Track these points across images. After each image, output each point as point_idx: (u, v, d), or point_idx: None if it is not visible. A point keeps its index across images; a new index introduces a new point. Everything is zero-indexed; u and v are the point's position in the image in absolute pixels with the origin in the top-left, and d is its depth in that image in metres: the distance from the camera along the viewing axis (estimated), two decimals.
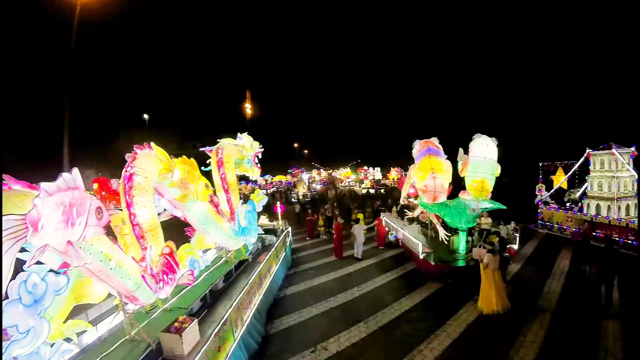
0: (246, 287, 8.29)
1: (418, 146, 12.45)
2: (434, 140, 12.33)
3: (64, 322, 4.57)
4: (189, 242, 7.74)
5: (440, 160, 11.75)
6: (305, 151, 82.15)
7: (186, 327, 5.57)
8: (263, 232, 11.37)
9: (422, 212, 14.33)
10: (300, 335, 8.47)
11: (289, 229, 16.06)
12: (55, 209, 3.71)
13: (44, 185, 3.71)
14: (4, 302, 3.40)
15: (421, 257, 12.49)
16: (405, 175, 14.54)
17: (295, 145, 79.87)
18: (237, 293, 7.94)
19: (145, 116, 34.09)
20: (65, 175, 3.98)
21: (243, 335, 7.42)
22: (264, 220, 15.88)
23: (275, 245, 12.67)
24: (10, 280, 3.35)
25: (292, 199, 34.76)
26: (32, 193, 3.82)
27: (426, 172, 11.47)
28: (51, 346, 3.97)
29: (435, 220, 12.79)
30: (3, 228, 3.14)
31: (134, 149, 5.73)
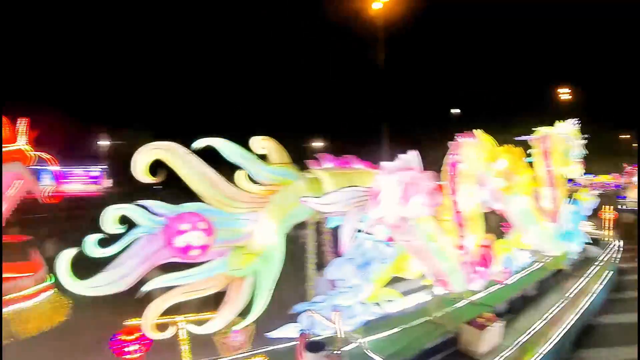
0: (561, 301, 7.23)
1: None
2: None
3: (381, 288, 4.97)
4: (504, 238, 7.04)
5: None
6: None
7: (490, 326, 5.13)
8: (590, 242, 9.04)
9: None
10: None
11: (618, 242, 12.68)
12: (395, 185, 3.91)
13: (385, 164, 4.07)
14: (339, 259, 4.00)
15: None
16: None
17: (626, 136, 56.46)
18: (548, 305, 7.02)
19: (456, 110, 34.10)
20: (403, 156, 4.16)
21: (545, 354, 6.15)
22: (589, 227, 12.76)
23: (600, 259, 10.47)
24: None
25: (620, 206, 26.47)
26: (372, 171, 4.26)
27: None
28: (363, 304, 4.36)
29: None
30: (351, 197, 3.55)
31: (457, 137, 5.54)
